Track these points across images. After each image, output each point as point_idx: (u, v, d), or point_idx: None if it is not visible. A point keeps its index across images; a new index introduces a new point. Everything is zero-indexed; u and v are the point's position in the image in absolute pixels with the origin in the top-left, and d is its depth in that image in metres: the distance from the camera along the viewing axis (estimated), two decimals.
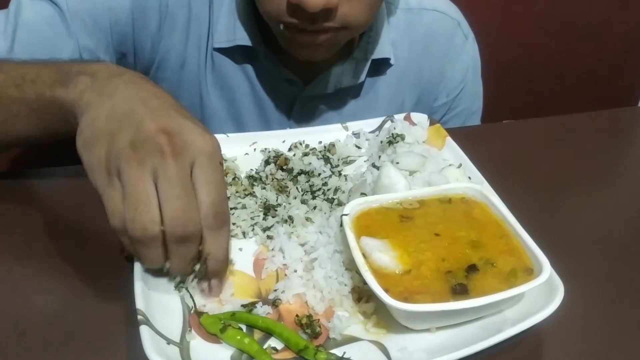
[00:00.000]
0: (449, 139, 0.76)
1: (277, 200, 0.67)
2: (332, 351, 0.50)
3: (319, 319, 0.53)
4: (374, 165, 0.72)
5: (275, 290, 0.57)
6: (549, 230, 0.58)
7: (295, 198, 0.68)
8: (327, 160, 0.75)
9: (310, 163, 0.73)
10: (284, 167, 0.72)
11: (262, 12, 0.77)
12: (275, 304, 0.55)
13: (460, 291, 0.51)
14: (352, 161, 0.77)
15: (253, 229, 0.64)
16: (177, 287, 0.56)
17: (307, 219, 0.64)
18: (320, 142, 0.79)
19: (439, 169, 0.69)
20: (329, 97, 0.92)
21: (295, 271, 0.58)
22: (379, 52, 0.90)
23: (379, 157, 0.73)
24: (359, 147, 0.79)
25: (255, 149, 0.77)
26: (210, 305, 0.55)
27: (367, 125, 0.81)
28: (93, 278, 0.59)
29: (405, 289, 0.51)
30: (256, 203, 0.67)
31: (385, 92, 0.95)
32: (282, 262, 0.60)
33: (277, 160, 0.73)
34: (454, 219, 0.59)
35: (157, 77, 0.88)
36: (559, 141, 0.87)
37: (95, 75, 0.58)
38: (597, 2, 1.42)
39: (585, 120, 0.94)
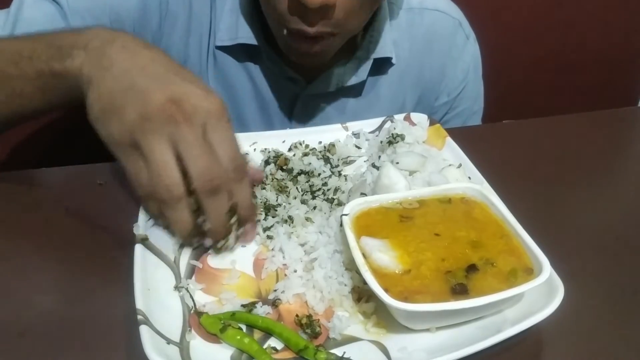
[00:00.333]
0: (449, 139, 0.76)
1: (277, 200, 0.67)
2: (332, 351, 0.50)
3: (319, 319, 0.53)
4: (374, 165, 0.72)
5: (275, 290, 0.57)
6: (549, 230, 0.58)
7: (295, 198, 0.68)
8: (327, 160, 0.75)
9: (310, 163, 0.73)
10: (284, 167, 0.72)
11: (266, 13, 0.77)
12: (275, 304, 0.55)
13: (460, 291, 0.51)
14: (352, 161, 0.77)
15: None
16: (177, 287, 0.56)
17: (307, 219, 0.64)
18: (320, 142, 0.79)
19: (439, 169, 0.69)
20: (330, 95, 0.92)
21: (295, 271, 0.58)
22: (381, 52, 0.90)
23: (379, 157, 0.73)
24: (359, 147, 0.79)
25: (255, 149, 0.77)
26: (210, 305, 0.55)
27: (367, 125, 0.81)
28: (93, 278, 0.59)
29: (405, 288, 0.51)
30: (256, 203, 0.67)
31: (386, 91, 0.95)
32: (282, 262, 0.60)
33: (277, 160, 0.73)
34: (454, 219, 0.59)
35: None
36: (559, 141, 0.87)
37: (87, 47, 0.59)
38: (597, 2, 1.42)
39: (585, 120, 0.94)
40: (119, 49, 0.58)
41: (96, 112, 0.57)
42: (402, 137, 0.74)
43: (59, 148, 1.16)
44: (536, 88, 1.50)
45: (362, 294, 0.56)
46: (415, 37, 0.95)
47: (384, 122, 0.81)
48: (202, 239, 0.60)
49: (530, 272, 0.52)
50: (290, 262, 0.59)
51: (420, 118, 0.81)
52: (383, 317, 0.54)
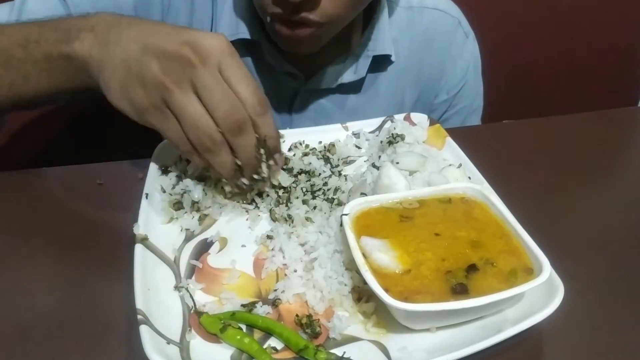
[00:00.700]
0: (449, 139, 0.76)
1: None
2: (332, 351, 0.50)
3: (319, 319, 0.53)
4: (374, 165, 0.72)
5: (275, 290, 0.57)
6: (549, 230, 0.58)
7: (297, 198, 0.68)
8: (327, 160, 0.75)
9: (310, 163, 0.73)
10: (284, 167, 0.72)
11: (254, 3, 0.77)
12: (275, 303, 0.55)
13: (460, 291, 0.51)
14: (352, 161, 0.77)
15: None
16: (177, 287, 0.56)
17: (307, 218, 0.64)
18: (320, 142, 0.79)
19: (439, 169, 0.69)
20: (330, 92, 0.93)
21: (295, 271, 0.58)
22: (380, 49, 0.90)
23: (379, 157, 0.73)
24: (359, 147, 0.79)
25: None
26: (210, 305, 0.55)
27: (367, 125, 0.82)
28: (93, 278, 0.59)
29: (405, 288, 0.51)
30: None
31: (386, 89, 0.96)
32: (282, 262, 0.60)
33: None
34: (454, 218, 0.59)
35: None
36: (559, 141, 0.87)
37: (95, 29, 0.61)
38: (597, 2, 1.42)
39: (585, 120, 0.94)
40: (125, 26, 0.60)
41: (115, 87, 0.58)
42: (402, 137, 0.74)
43: (59, 148, 1.16)
44: (536, 88, 1.50)
45: (362, 294, 0.56)
46: (414, 36, 0.96)
47: (384, 122, 0.81)
48: (240, 176, 0.63)
49: (530, 272, 0.52)
50: (290, 262, 0.59)
51: (420, 118, 0.81)
52: (383, 317, 0.53)
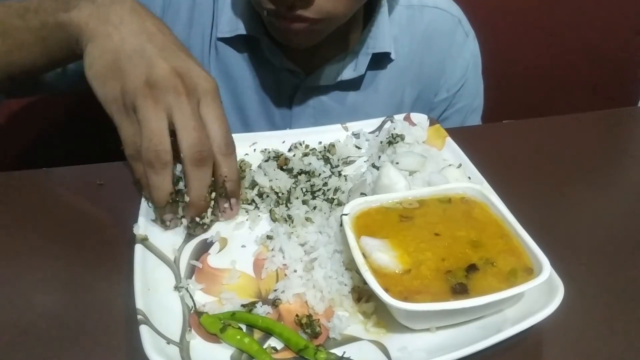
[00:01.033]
0: (449, 139, 0.76)
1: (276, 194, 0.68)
2: (332, 351, 0.50)
3: (319, 319, 0.53)
4: (373, 166, 0.72)
5: (275, 290, 0.57)
6: (549, 230, 0.59)
7: (297, 198, 0.68)
8: (327, 160, 0.75)
9: (310, 163, 0.73)
10: (284, 167, 0.72)
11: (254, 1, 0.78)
12: (275, 303, 0.55)
13: (460, 291, 0.51)
14: (352, 161, 0.77)
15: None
16: (177, 287, 0.56)
17: (307, 219, 0.64)
18: (320, 143, 0.79)
19: (439, 169, 0.69)
20: (329, 88, 0.93)
21: (295, 271, 0.58)
22: (380, 47, 0.91)
23: (379, 157, 0.73)
24: (358, 148, 0.79)
25: (255, 150, 0.77)
26: (210, 305, 0.55)
27: (367, 125, 0.82)
28: (93, 278, 0.59)
29: (405, 288, 0.51)
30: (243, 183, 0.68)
31: (385, 86, 0.96)
32: (282, 262, 0.60)
33: (277, 160, 0.73)
34: (453, 218, 0.59)
35: None
36: (559, 141, 0.87)
37: (96, 1, 0.61)
38: (597, 2, 1.42)
39: (585, 120, 0.94)
40: (128, 10, 0.61)
41: (97, 69, 0.59)
42: (402, 137, 0.74)
43: (59, 148, 1.16)
44: (536, 88, 1.50)
45: (362, 294, 0.56)
46: (415, 34, 0.96)
47: (384, 122, 0.81)
48: (175, 216, 0.61)
49: (530, 272, 0.52)
50: (290, 262, 0.59)
51: (420, 118, 0.81)
52: (383, 317, 0.54)
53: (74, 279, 0.59)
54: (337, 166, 0.75)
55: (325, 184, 0.70)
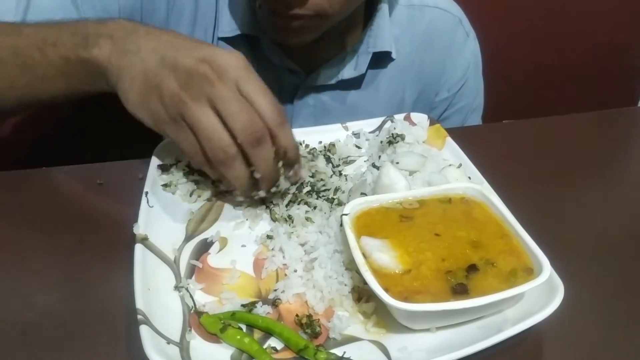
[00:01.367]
0: (449, 139, 0.76)
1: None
2: (332, 351, 0.50)
3: (318, 319, 0.53)
4: (374, 165, 0.72)
5: (275, 290, 0.57)
6: (549, 230, 0.58)
7: (298, 200, 0.68)
8: (327, 160, 0.75)
9: (315, 164, 0.73)
10: None
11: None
12: (275, 303, 0.55)
13: (460, 291, 0.51)
14: (352, 161, 0.77)
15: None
16: (177, 287, 0.56)
17: (307, 218, 0.64)
18: (320, 142, 0.79)
19: (439, 169, 0.69)
20: (330, 88, 0.93)
21: (295, 271, 0.58)
22: (381, 46, 0.91)
23: (379, 157, 0.73)
24: (359, 147, 0.79)
25: None
26: (210, 305, 0.55)
27: (367, 125, 0.82)
28: (93, 278, 0.59)
29: (405, 288, 0.51)
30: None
31: (386, 86, 0.96)
32: (282, 262, 0.60)
33: None
34: (454, 218, 0.59)
35: None
36: (559, 141, 0.87)
37: (114, 37, 0.62)
38: (597, 2, 1.42)
39: (585, 120, 0.94)
40: (143, 35, 0.61)
41: (134, 98, 0.59)
42: (402, 137, 0.74)
43: (59, 148, 1.16)
44: (536, 88, 1.50)
45: (362, 294, 0.56)
46: (415, 34, 0.96)
47: (384, 122, 0.81)
48: (256, 189, 0.63)
49: (530, 272, 0.52)
50: (290, 262, 0.59)
51: (421, 118, 0.81)
52: (383, 317, 0.53)
53: (74, 279, 0.59)
54: (337, 166, 0.75)
55: (325, 184, 0.70)
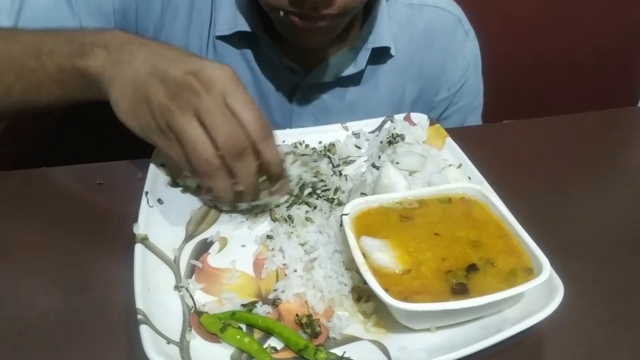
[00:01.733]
0: (449, 139, 0.76)
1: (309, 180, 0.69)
2: (332, 351, 0.50)
3: (318, 319, 0.53)
4: (374, 165, 0.72)
5: (275, 290, 0.57)
6: (549, 230, 0.59)
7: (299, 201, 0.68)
8: (327, 160, 0.75)
9: (318, 165, 0.73)
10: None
11: (263, 2, 0.78)
12: (275, 303, 0.55)
13: (460, 291, 0.51)
14: (352, 161, 0.77)
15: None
16: (177, 287, 0.56)
17: (307, 218, 0.64)
18: (320, 142, 0.79)
19: (439, 169, 0.69)
20: (329, 85, 0.93)
21: (295, 271, 0.58)
22: (379, 41, 0.91)
23: (379, 157, 0.73)
24: (359, 147, 0.79)
25: None
26: (210, 305, 0.55)
27: (367, 125, 0.82)
28: (93, 278, 0.59)
29: (405, 288, 0.51)
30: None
31: (385, 82, 0.96)
32: (282, 261, 0.60)
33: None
34: (453, 218, 0.59)
35: None
36: (559, 141, 0.87)
37: (109, 46, 0.62)
38: (597, 2, 1.42)
39: (585, 120, 0.94)
40: (138, 46, 0.62)
41: (124, 107, 0.60)
42: (402, 137, 0.74)
43: (59, 148, 1.16)
44: (536, 88, 1.50)
45: (362, 294, 0.56)
46: (414, 33, 0.96)
47: (384, 122, 0.81)
48: (241, 200, 0.63)
49: (530, 272, 0.52)
50: (290, 261, 0.59)
51: (420, 118, 0.81)
52: (383, 316, 0.54)
53: (74, 279, 0.59)
54: (337, 166, 0.75)
55: (324, 183, 0.70)
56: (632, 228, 0.69)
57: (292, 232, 0.63)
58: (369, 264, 0.52)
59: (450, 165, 0.71)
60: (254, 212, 0.66)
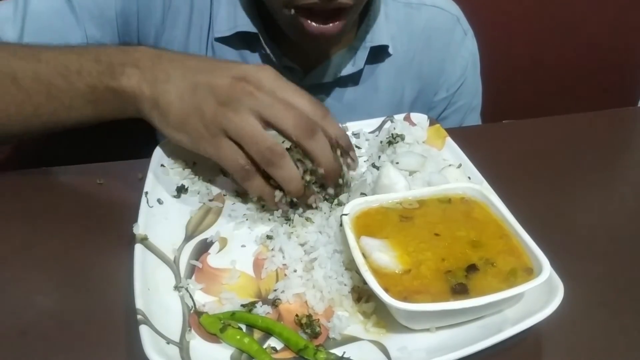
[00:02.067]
0: (449, 139, 0.76)
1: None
2: (332, 351, 0.50)
3: (318, 319, 0.53)
4: (374, 165, 0.72)
5: (275, 290, 0.57)
6: (549, 230, 0.58)
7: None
8: None
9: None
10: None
11: (270, 1, 0.77)
12: (275, 303, 0.55)
13: (460, 291, 0.51)
14: None
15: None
16: (177, 287, 0.56)
17: (307, 219, 0.64)
18: None
19: (439, 169, 0.69)
20: (329, 85, 0.93)
21: (295, 271, 0.58)
22: (378, 40, 0.91)
23: (379, 157, 0.73)
24: (358, 147, 0.79)
25: None
26: (210, 305, 0.55)
27: (366, 125, 0.82)
28: (93, 278, 0.59)
29: (405, 288, 0.51)
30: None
31: (384, 82, 0.96)
32: (281, 262, 0.60)
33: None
34: (453, 218, 0.59)
35: None
36: (559, 141, 0.87)
37: (139, 65, 0.63)
38: (597, 2, 1.42)
39: (585, 120, 0.94)
40: (167, 61, 0.63)
41: (173, 121, 0.61)
42: (402, 137, 0.74)
43: (59, 148, 1.16)
44: (536, 87, 1.50)
45: (362, 294, 0.56)
46: (413, 32, 0.96)
47: (383, 122, 0.81)
48: (317, 195, 0.63)
49: (530, 272, 0.52)
50: (290, 262, 0.59)
51: (420, 118, 0.81)
52: (383, 317, 0.53)
53: (74, 279, 0.59)
54: None
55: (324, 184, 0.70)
56: (632, 228, 0.69)
57: (292, 232, 0.63)
58: (369, 264, 0.52)
59: (450, 165, 0.71)
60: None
